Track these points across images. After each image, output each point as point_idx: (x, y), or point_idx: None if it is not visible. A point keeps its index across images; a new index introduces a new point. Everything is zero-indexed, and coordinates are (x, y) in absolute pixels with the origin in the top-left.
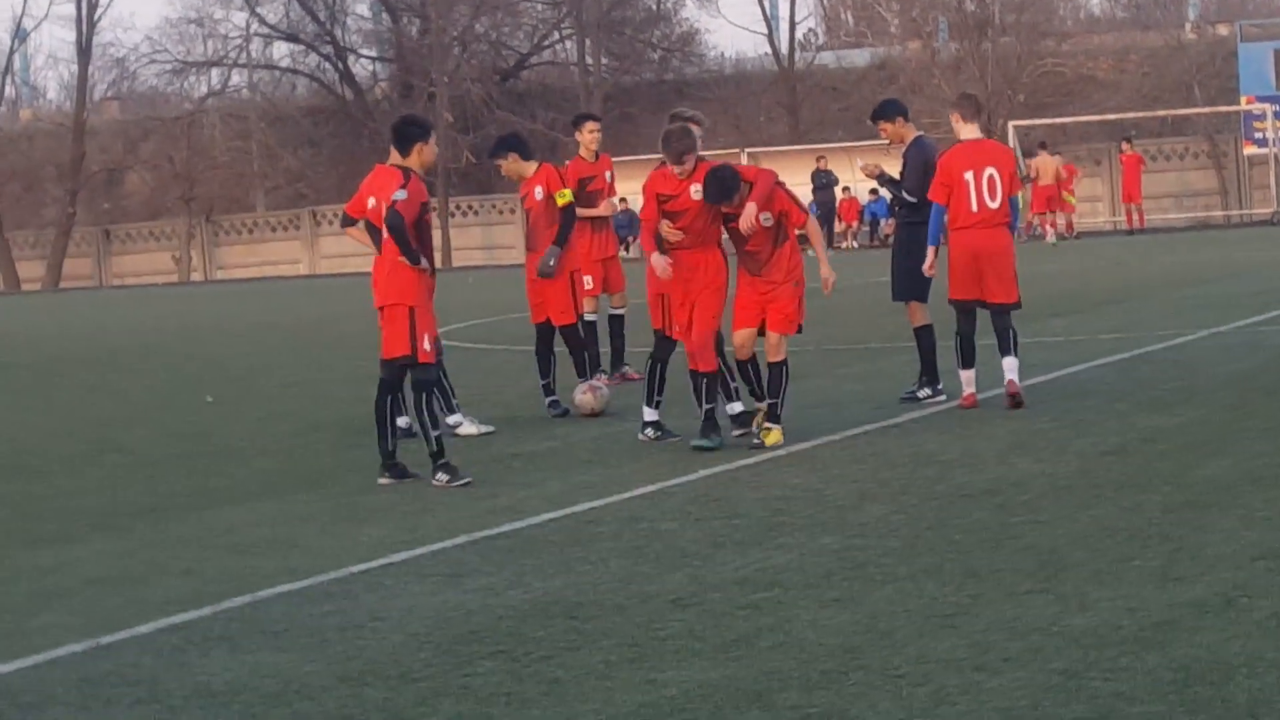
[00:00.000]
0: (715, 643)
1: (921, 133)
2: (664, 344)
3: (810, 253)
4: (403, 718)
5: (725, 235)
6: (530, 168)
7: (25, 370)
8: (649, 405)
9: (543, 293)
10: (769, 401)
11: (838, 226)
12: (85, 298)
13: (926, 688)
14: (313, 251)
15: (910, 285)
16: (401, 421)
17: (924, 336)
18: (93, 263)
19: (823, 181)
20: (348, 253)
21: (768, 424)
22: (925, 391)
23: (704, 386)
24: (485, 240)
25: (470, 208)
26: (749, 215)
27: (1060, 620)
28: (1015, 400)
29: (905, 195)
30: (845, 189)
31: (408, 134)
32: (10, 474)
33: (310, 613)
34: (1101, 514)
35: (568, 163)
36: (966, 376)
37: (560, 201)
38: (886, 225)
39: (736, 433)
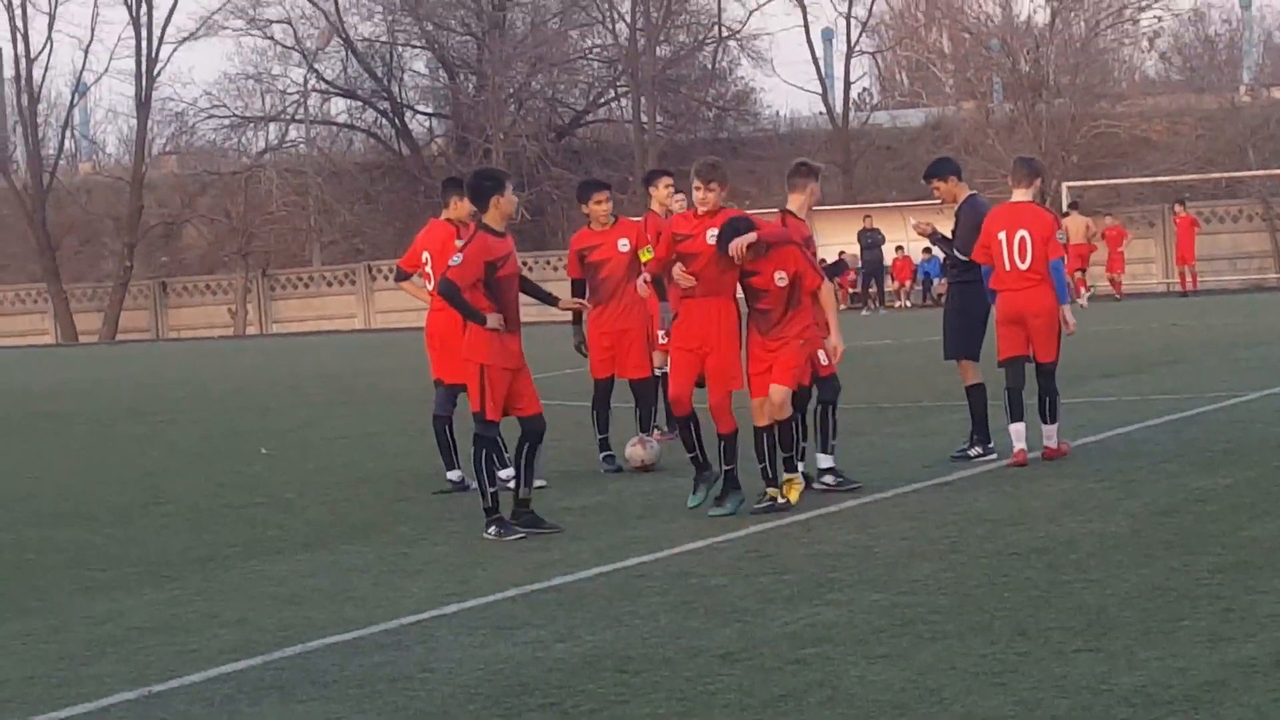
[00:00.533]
0: (764, 698)
1: (975, 192)
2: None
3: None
4: None
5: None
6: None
7: (81, 421)
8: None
9: (615, 347)
10: (784, 455)
11: (890, 285)
12: (141, 350)
13: None
14: (368, 306)
15: (962, 343)
16: (452, 476)
17: (975, 395)
18: (149, 315)
19: (869, 241)
20: (403, 307)
21: (787, 476)
22: (976, 450)
23: (725, 449)
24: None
25: (524, 263)
26: (738, 244)
27: (1109, 679)
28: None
29: (957, 254)
30: (898, 248)
31: (483, 189)
32: (64, 523)
33: (361, 663)
34: (1151, 574)
35: (644, 217)
36: (1016, 431)
37: (644, 258)
38: (939, 284)
39: (828, 482)
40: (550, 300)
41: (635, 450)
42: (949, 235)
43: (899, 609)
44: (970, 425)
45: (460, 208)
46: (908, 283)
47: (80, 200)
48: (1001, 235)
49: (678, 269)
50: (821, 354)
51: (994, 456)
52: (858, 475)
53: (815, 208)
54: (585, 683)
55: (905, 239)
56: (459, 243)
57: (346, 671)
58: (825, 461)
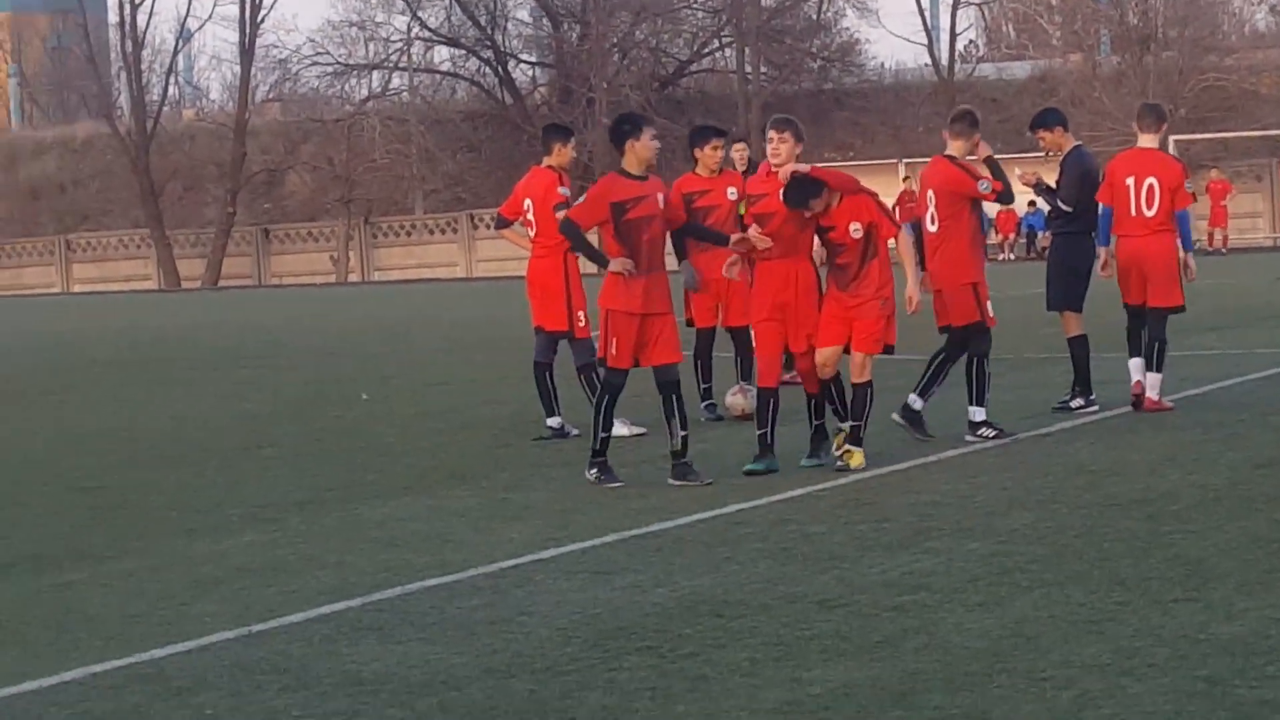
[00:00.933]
0: (860, 644)
1: (1080, 143)
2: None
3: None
4: (548, 710)
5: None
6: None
7: (183, 366)
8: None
9: (719, 295)
10: (851, 424)
11: (993, 238)
12: (243, 296)
13: (1070, 692)
14: (469, 254)
15: (1065, 295)
16: (552, 422)
17: (1078, 347)
18: (252, 262)
19: None
20: (504, 256)
21: (849, 446)
22: (1078, 402)
23: (813, 405)
24: None
25: None
26: (786, 171)
27: (1207, 629)
28: (1139, 403)
29: (1061, 205)
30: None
31: (619, 132)
32: (166, 465)
33: (459, 606)
34: (1251, 525)
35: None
36: (1135, 364)
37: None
38: (1043, 237)
39: (985, 435)
40: (721, 241)
41: (736, 399)
42: (1054, 186)
43: (997, 558)
44: (1072, 377)
45: (563, 154)
46: (1011, 235)
47: (183, 147)
48: (1129, 181)
49: (754, 230)
50: (991, 306)
51: (1095, 409)
52: (959, 425)
53: (922, 160)
54: (683, 627)
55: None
56: (562, 190)
57: (445, 614)
58: (978, 414)
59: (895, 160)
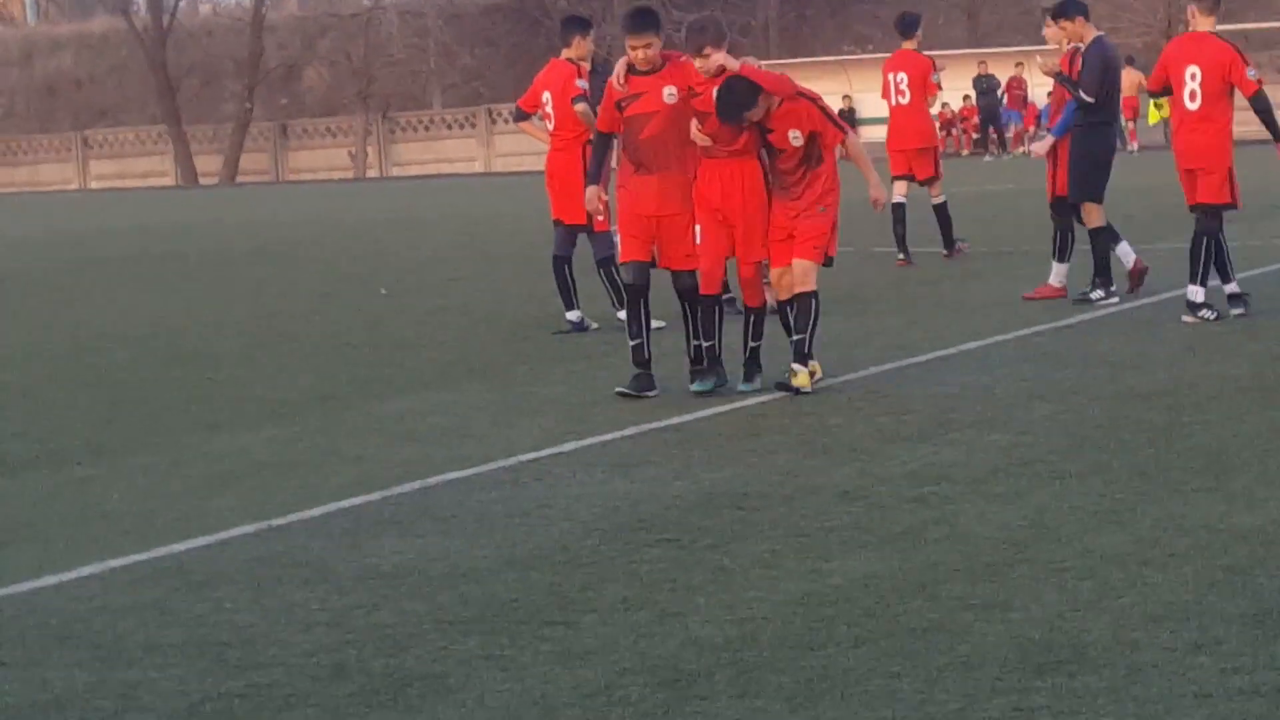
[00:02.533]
0: (882, 535)
1: (1102, 34)
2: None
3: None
4: (569, 602)
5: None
6: None
7: (201, 261)
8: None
9: None
10: (795, 339)
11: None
12: (261, 192)
13: (1091, 582)
14: (488, 149)
15: (1085, 186)
16: (571, 316)
17: (1099, 238)
18: (269, 158)
19: (984, 86)
20: (522, 150)
21: (794, 365)
22: (1099, 293)
23: (753, 325)
24: None
25: None
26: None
27: (1227, 518)
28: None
29: (1082, 95)
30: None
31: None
32: (184, 361)
33: (479, 499)
34: (1272, 416)
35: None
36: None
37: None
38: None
39: (1235, 311)
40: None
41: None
42: (1074, 78)
43: (1018, 449)
44: (1093, 268)
45: (581, 47)
46: (1031, 127)
47: (200, 42)
48: (1194, 69)
49: (694, 127)
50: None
51: (1116, 300)
52: (979, 317)
53: (941, 53)
54: (702, 519)
55: (1029, 83)
56: (580, 83)
57: (465, 507)
58: (1198, 295)
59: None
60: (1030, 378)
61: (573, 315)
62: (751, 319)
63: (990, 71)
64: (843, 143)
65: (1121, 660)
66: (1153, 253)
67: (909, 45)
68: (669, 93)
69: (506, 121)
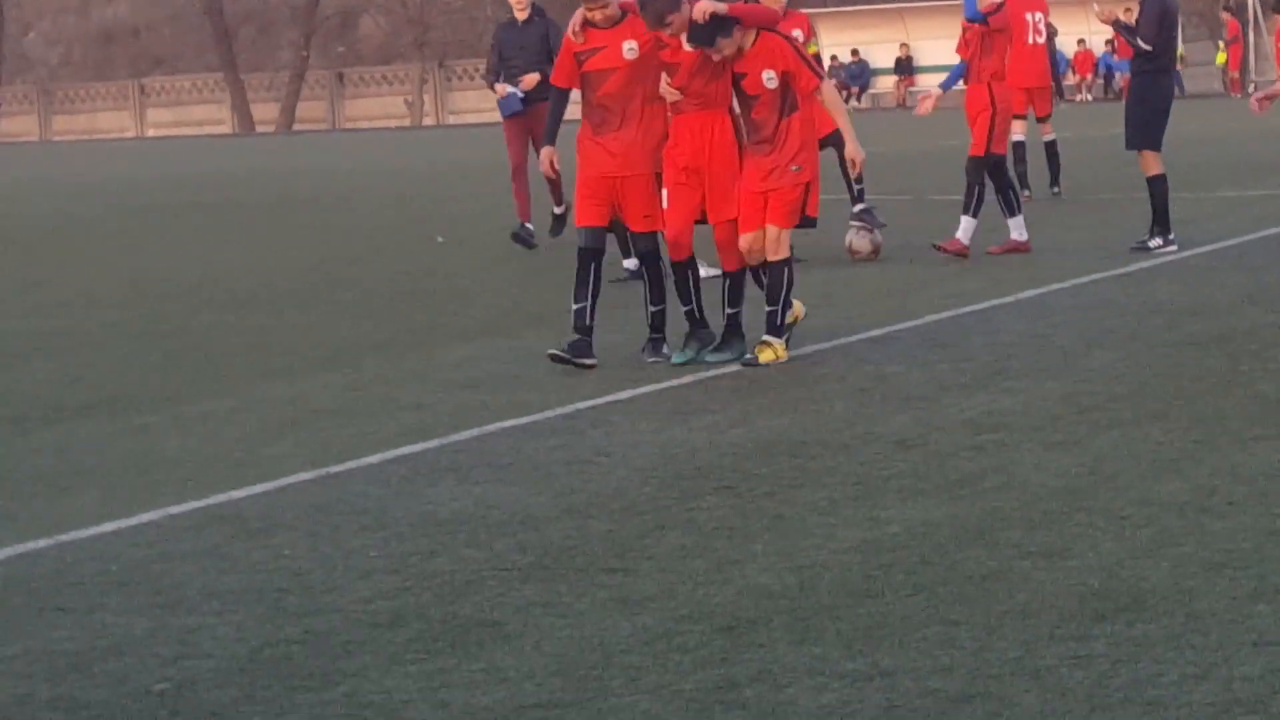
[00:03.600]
0: (938, 483)
1: None
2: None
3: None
4: (626, 549)
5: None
6: None
7: (258, 209)
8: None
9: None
10: (767, 310)
11: (1071, 78)
12: (318, 140)
13: (1149, 529)
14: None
15: (1143, 134)
16: (629, 264)
17: (1157, 186)
18: (325, 106)
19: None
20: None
21: (765, 337)
22: (1156, 241)
23: (730, 289)
24: None
25: None
26: (701, 8)
27: None
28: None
29: (1140, 44)
30: (1080, 40)
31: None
32: (242, 308)
33: (536, 447)
34: None
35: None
36: None
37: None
38: (1121, 78)
39: None
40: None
41: (859, 240)
42: (1133, 25)
43: (1076, 397)
44: (1151, 216)
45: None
46: (1089, 76)
47: None
48: None
49: (664, 81)
50: None
51: (1174, 248)
52: (1036, 264)
53: None
54: (760, 467)
55: (1087, 31)
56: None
57: (522, 454)
58: None
59: None
60: (1088, 325)
61: (630, 263)
62: (728, 283)
63: (1050, 20)
64: (817, 89)
65: (1180, 608)
66: (1211, 200)
67: None
68: (629, 47)
69: None
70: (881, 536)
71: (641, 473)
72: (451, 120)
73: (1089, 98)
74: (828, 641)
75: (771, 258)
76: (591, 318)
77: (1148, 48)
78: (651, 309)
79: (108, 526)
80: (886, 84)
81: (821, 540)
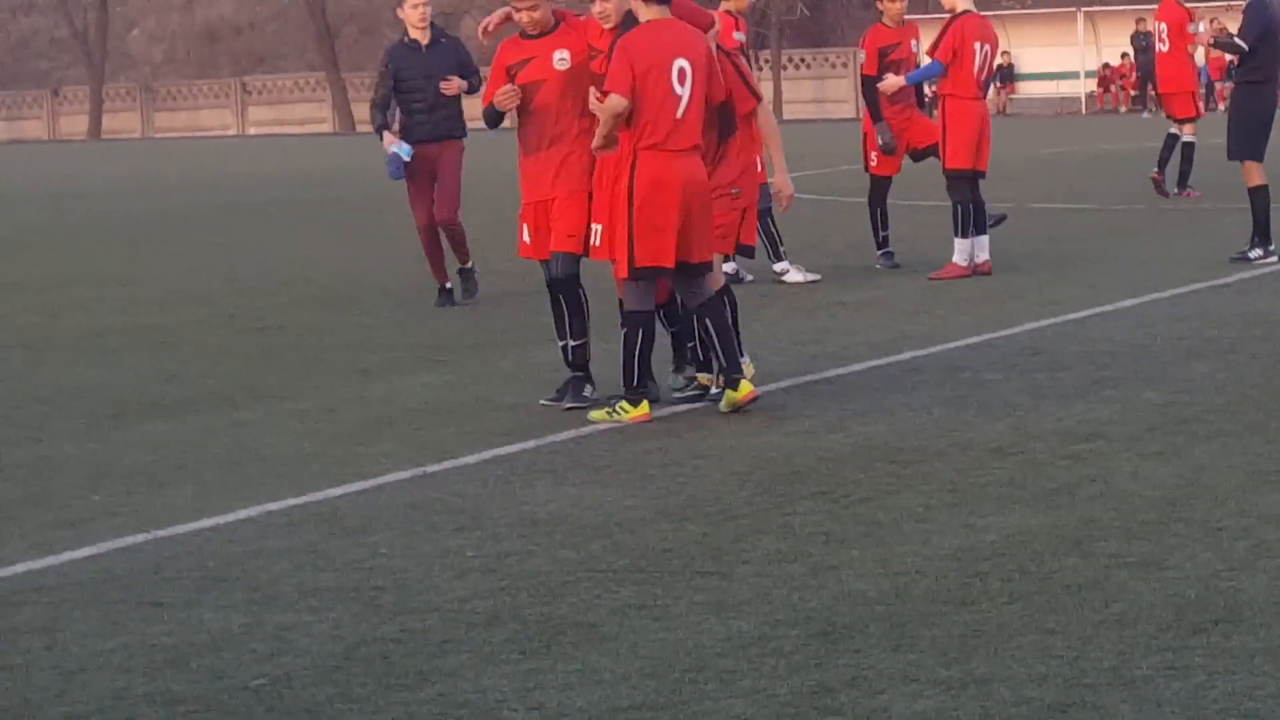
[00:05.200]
0: (1035, 491)
1: None
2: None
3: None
4: (722, 552)
5: None
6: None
7: (357, 208)
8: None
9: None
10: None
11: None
12: None
13: (1246, 541)
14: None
15: (1246, 144)
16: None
17: (1258, 197)
18: None
19: (1142, 44)
20: None
21: (733, 374)
22: (1257, 252)
23: (661, 316)
24: (816, 94)
25: (803, 60)
26: None
27: None
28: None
29: (1238, 42)
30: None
31: None
32: (340, 306)
33: (633, 449)
34: None
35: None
36: None
37: None
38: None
39: None
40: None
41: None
42: (1234, 33)
43: (1174, 407)
44: (1251, 227)
45: None
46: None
47: None
48: None
49: (593, 95)
50: None
51: (1275, 259)
52: (1135, 274)
53: (1101, 8)
54: (856, 473)
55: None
56: (738, 35)
57: (619, 456)
58: None
59: (1074, 8)
60: (1187, 335)
61: (728, 266)
62: (659, 313)
63: (1148, 29)
64: (753, 111)
65: (1277, 620)
66: None
67: None
68: (559, 58)
69: None
70: (978, 544)
71: (737, 476)
72: None
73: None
74: (923, 648)
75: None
76: (588, 350)
77: (1244, 46)
78: (571, 344)
79: (204, 522)
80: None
81: (917, 547)
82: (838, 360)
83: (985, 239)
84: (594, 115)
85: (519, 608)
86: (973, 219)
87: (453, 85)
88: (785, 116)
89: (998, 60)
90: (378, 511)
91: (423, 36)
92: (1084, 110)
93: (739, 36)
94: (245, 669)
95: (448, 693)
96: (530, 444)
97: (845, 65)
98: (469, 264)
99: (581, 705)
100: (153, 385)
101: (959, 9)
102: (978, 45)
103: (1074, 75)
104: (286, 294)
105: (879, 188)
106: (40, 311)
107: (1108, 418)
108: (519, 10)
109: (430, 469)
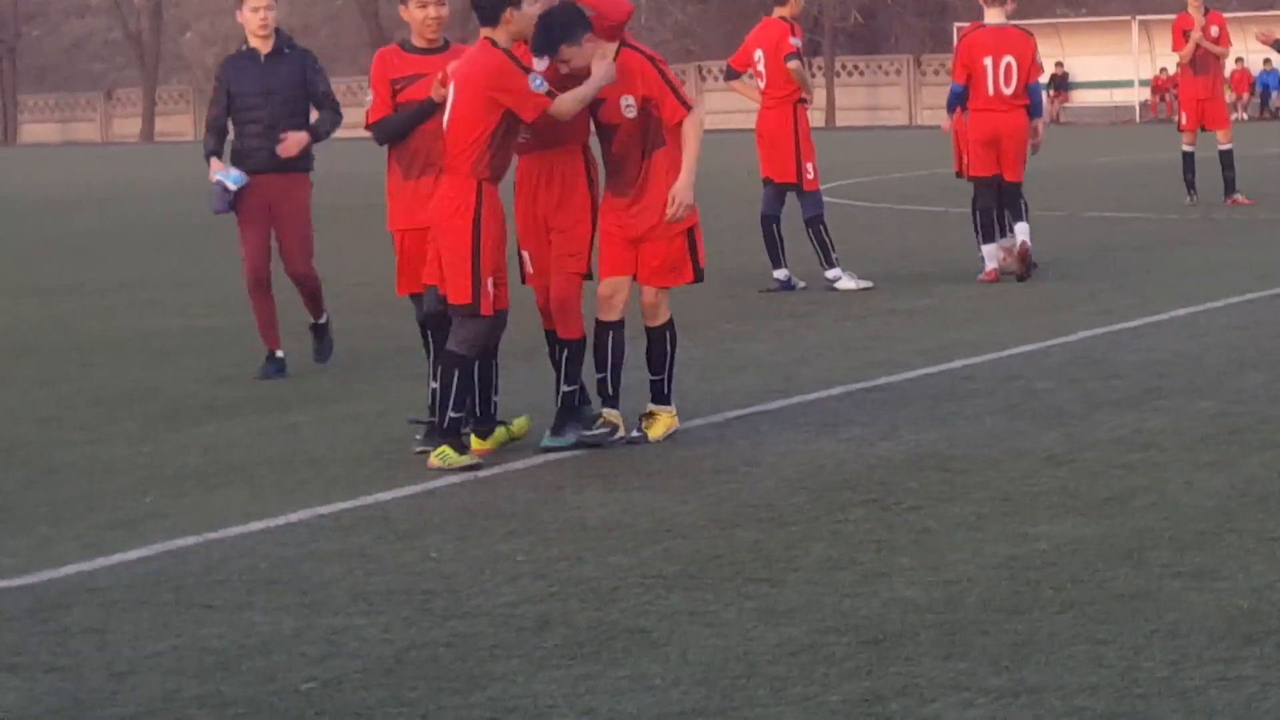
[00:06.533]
0: (1088, 500)
1: None
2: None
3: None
4: (773, 559)
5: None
6: None
7: None
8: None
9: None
10: (652, 379)
11: (1227, 97)
12: None
13: None
14: (698, 106)
15: None
16: (779, 274)
17: None
18: None
19: None
20: (732, 108)
21: (653, 407)
22: None
23: (564, 358)
24: (869, 101)
25: (856, 68)
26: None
27: None
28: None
29: None
30: (1237, 59)
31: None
32: (394, 311)
33: (684, 455)
34: None
35: None
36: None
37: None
38: (1277, 97)
39: None
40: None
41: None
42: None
43: (1227, 417)
44: None
45: (795, 4)
46: (1245, 94)
47: None
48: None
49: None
50: None
51: None
52: (1187, 284)
53: (1157, 16)
54: (908, 480)
55: (1245, 50)
56: (794, 40)
57: (670, 462)
58: None
59: (1129, 17)
60: (1241, 345)
61: (780, 273)
62: (564, 355)
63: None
64: (681, 120)
65: None
66: None
67: None
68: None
69: (717, 79)
70: (1030, 553)
71: (789, 483)
72: None
73: (1245, 116)
74: (974, 657)
75: (652, 324)
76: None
77: None
78: (434, 384)
79: (256, 525)
80: None
81: (969, 555)
82: (890, 368)
83: (1023, 224)
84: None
85: (570, 613)
86: (995, 225)
87: (290, 146)
88: (838, 123)
89: (1051, 70)
90: (429, 515)
91: (263, 45)
92: (1138, 119)
93: (795, 42)
94: (296, 672)
95: (498, 697)
96: (582, 450)
97: (899, 72)
98: (323, 318)
99: (631, 711)
100: (206, 388)
101: (987, 21)
102: (988, 60)
103: (1128, 84)
104: (340, 297)
105: (983, 192)
106: (95, 314)
107: (1161, 427)
108: (423, 7)
109: (482, 474)
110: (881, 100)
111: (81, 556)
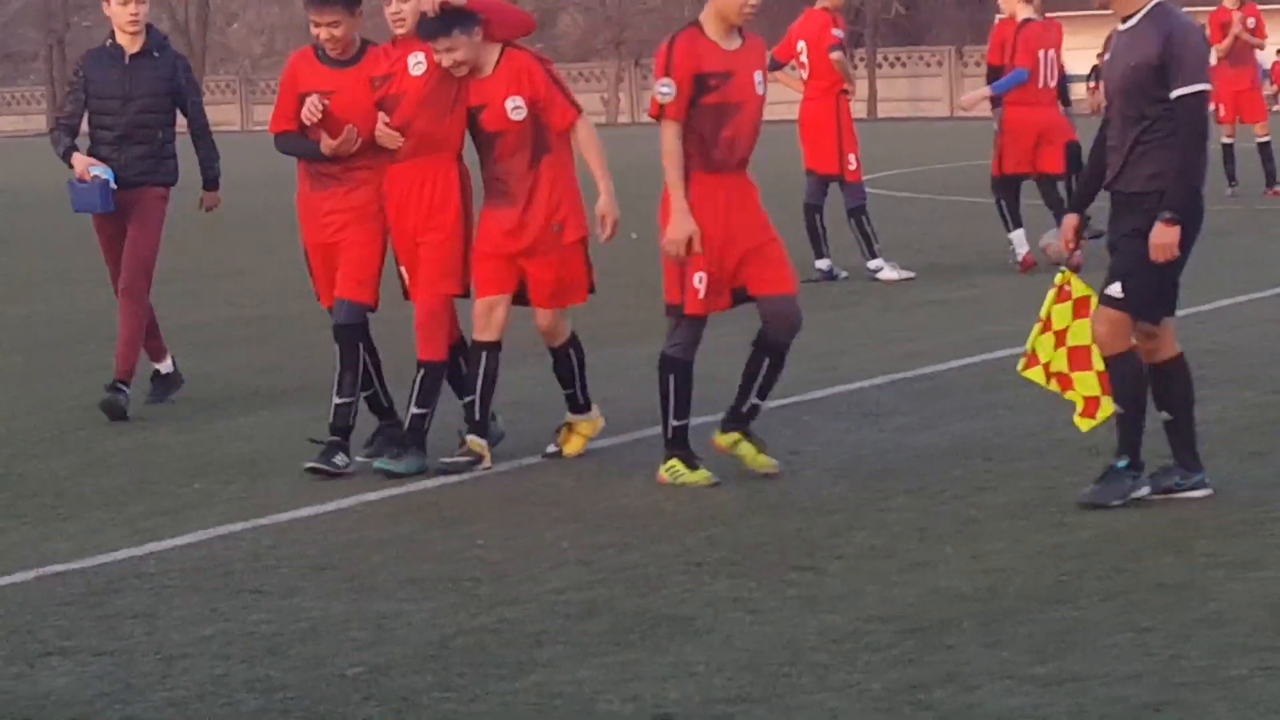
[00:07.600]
0: None
1: None
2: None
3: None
4: (816, 548)
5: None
6: None
7: None
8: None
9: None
10: (565, 393)
11: (1268, 89)
12: None
13: None
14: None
15: None
16: (821, 265)
17: None
18: None
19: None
20: (774, 99)
21: (571, 417)
22: None
23: (420, 379)
24: (911, 92)
25: (898, 59)
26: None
27: None
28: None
29: None
30: (1278, 51)
31: None
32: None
33: None
34: None
35: None
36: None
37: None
38: None
39: None
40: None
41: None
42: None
43: (1270, 408)
44: None
45: None
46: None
47: None
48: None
49: (380, 121)
50: None
51: None
52: (1227, 275)
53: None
54: (950, 469)
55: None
56: (836, 31)
57: (713, 451)
58: None
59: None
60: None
61: (822, 264)
62: (420, 377)
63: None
64: (571, 126)
65: None
66: None
67: None
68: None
69: None
70: (1072, 542)
71: (832, 472)
72: (646, 119)
73: None
74: (1017, 645)
75: (553, 344)
76: (353, 415)
77: None
78: (335, 401)
79: (303, 511)
80: (1078, 90)
81: (1011, 544)
82: (931, 358)
83: (1021, 233)
84: (382, 153)
85: (614, 600)
86: (1019, 209)
87: (213, 199)
88: (880, 115)
89: (1093, 62)
90: (475, 503)
91: (130, 44)
92: None
93: (838, 33)
94: (343, 657)
95: (543, 683)
96: (625, 438)
97: (940, 64)
98: (168, 361)
99: (676, 697)
100: (253, 376)
101: (1020, 16)
102: (1042, 54)
103: None
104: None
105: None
106: None
107: (1203, 417)
108: (317, 26)
109: (527, 461)
110: (923, 91)
111: (131, 542)
